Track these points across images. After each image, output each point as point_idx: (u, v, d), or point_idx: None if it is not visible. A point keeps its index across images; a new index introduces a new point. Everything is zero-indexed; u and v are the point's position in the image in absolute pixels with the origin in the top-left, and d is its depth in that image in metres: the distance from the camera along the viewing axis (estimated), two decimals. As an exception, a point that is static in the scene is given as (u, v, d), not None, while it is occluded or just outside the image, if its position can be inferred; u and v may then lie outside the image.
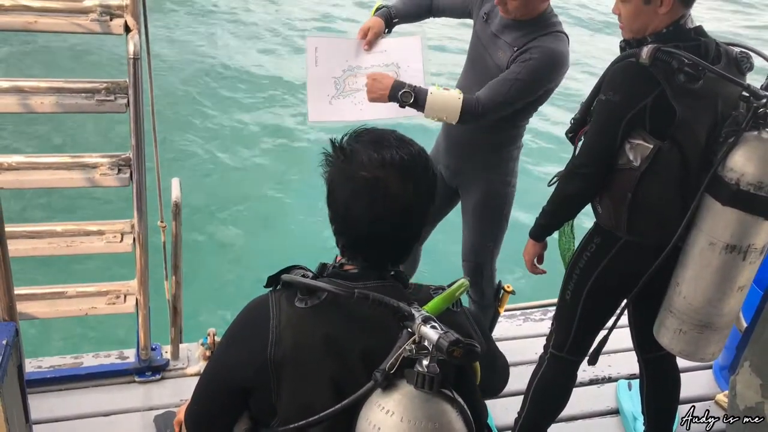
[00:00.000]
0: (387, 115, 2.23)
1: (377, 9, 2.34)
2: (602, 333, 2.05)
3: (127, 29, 2.04)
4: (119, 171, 2.13)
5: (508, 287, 2.70)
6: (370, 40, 2.27)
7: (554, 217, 2.00)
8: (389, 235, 1.18)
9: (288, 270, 1.21)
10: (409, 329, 1.03)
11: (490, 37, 2.29)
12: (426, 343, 1.00)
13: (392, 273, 1.22)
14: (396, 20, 2.35)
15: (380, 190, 1.14)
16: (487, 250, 2.60)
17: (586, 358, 2.09)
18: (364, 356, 1.11)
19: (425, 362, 1.00)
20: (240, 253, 4.84)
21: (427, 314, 1.04)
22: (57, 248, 2.17)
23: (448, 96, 2.15)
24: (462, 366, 1.15)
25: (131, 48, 2.00)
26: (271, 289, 1.21)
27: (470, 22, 2.45)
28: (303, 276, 1.17)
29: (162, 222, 2.35)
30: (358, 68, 2.28)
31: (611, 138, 1.79)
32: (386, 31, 2.35)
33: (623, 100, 1.75)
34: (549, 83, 2.24)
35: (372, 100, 2.18)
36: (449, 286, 1.21)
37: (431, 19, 2.53)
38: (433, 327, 1.00)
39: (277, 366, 1.11)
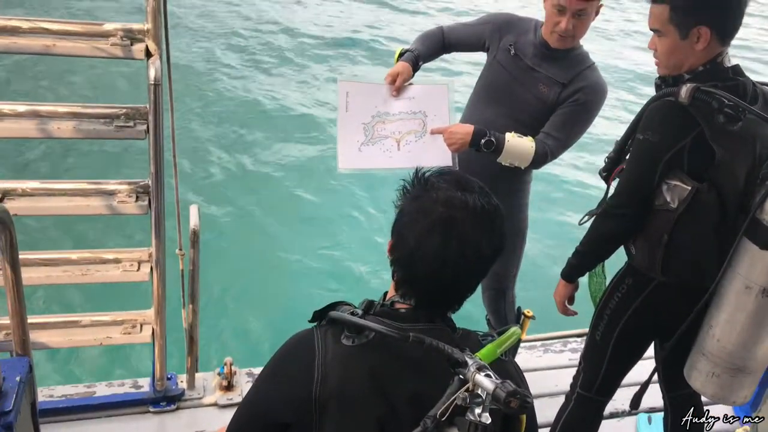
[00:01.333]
0: (417, 163, 2.22)
1: (401, 54, 2.34)
2: (636, 374, 2.01)
3: (149, 54, 2.00)
4: (138, 198, 2.08)
5: (528, 312, 2.68)
6: (398, 86, 2.26)
7: (588, 257, 1.95)
8: (452, 279, 1.14)
9: (334, 306, 1.18)
10: (461, 376, 1.00)
11: (524, 70, 2.29)
12: (479, 392, 0.98)
13: (441, 316, 1.19)
14: (421, 63, 2.36)
15: (456, 230, 1.11)
16: (510, 276, 2.61)
17: (614, 398, 2.05)
18: (413, 400, 1.08)
19: (477, 411, 0.97)
20: (256, 282, 4.78)
21: (482, 362, 1.02)
22: (72, 276, 2.12)
23: (522, 143, 2.25)
24: (509, 416, 1.13)
25: (152, 74, 1.96)
26: (315, 324, 1.18)
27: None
28: (352, 313, 1.15)
29: (180, 250, 2.30)
30: (386, 114, 2.28)
31: (649, 178, 1.75)
32: (413, 74, 2.36)
33: (662, 141, 1.72)
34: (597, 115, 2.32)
35: (454, 149, 2.25)
36: (499, 333, 1.19)
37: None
38: (487, 375, 0.98)
39: (321, 405, 1.08)
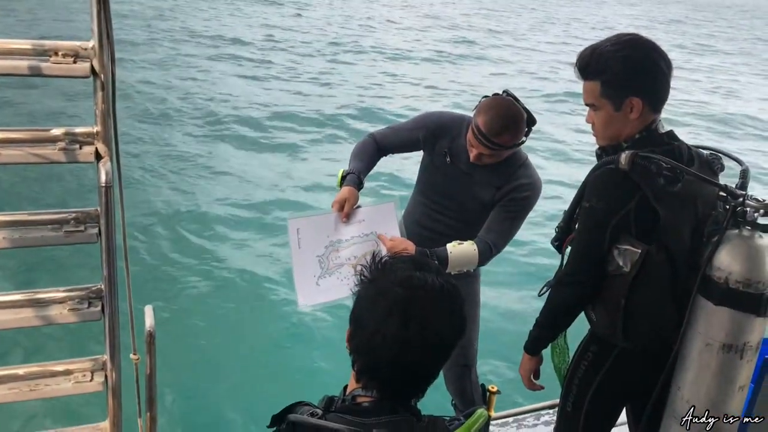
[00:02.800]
0: None
1: (343, 177, 2.36)
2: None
3: (98, 156, 1.98)
4: (90, 305, 2.00)
5: (493, 388, 2.66)
6: (347, 212, 2.26)
7: (549, 328, 1.97)
8: (414, 363, 1.12)
9: (293, 407, 1.14)
10: None
11: (461, 176, 2.38)
12: None
13: (405, 406, 1.15)
14: (363, 178, 2.40)
15: (416, 310, 1.09)
16: (474, 350, 2.61)
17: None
18: None
19: None
20: (213, 379, 4.62)
21: None
22: (20, 393, 1.97)
23: (464, 250, 2.28)
24: None
25: (103, 177, 1.92)
26: (274, 429, 1.13)
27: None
28: (311, 414, 1.10)
29: (135, 354, 2.21)
30: (338, 242, 2.27)
31: (599, 244, 1.80)
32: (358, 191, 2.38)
33: (607, 206, 1.78)
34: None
35: None
36: (466, 416, 1.15)
37: None
38: None
39: None
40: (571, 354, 2.01)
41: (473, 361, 2.61)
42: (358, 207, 2.31)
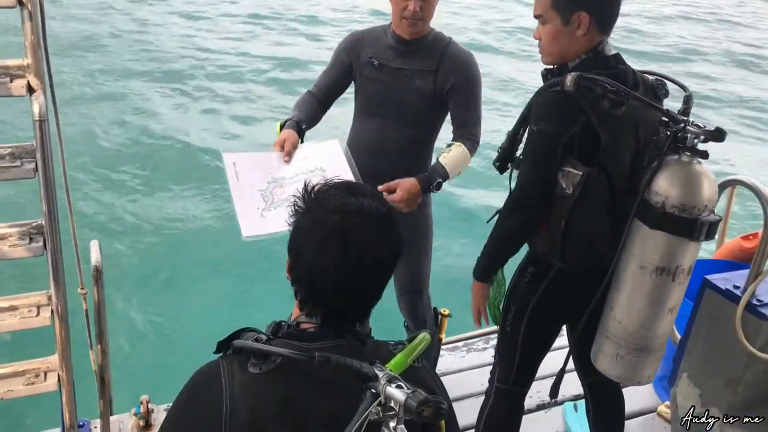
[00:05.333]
0: None
1: (282, 125, 2.33)
2: (557, 363, 2.04)
3: (31, 90, 1.92)
4: (31, 240, 1.98)
5: (445, 311, 2.71)
6: (288, 150, 2.23)
7: (499, 253, 1.97)
8: (355, 289, 1.13)
9: (238, 334, 1.13)
10: (373, 390, 0.98)
11: (393, 73, 2.37)
12: (392, 404, 0.96)
13: (349, 331, 1.17)
14: (304, 127, 2.36)
15: (354, 237, 1.09)
16: (425, 276, 2.65)
17: (530, 388, 2.09)
18: (327, 422, 1.05)
19: (392, 424, 0.96)
20: (164, 307, 4.66)
21: (392, 373, 1.00)
22: (-35, 330, 1.99)
23: (455, 154, 2.33)
24: (428, 424, 1.11)
25: (36, 109, 1.88)
26: (221, 354, 1.14)
27: None
28: (256, 339, 1.10)
29: (82, 288, 2.21)
30: (282, 179, 2.21)
31: (550, 167, 1.80)
32: (300, 141, 2.34)
33: (556, 129, 1.78)
34: None
35: (412, 209, 2.26)
36: (409, 341, 1.17)
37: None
38: (398, 387, 0.96)
39: None
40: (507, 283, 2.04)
41: (424, 286, 2.64)
42: (301, 144, 2.28)
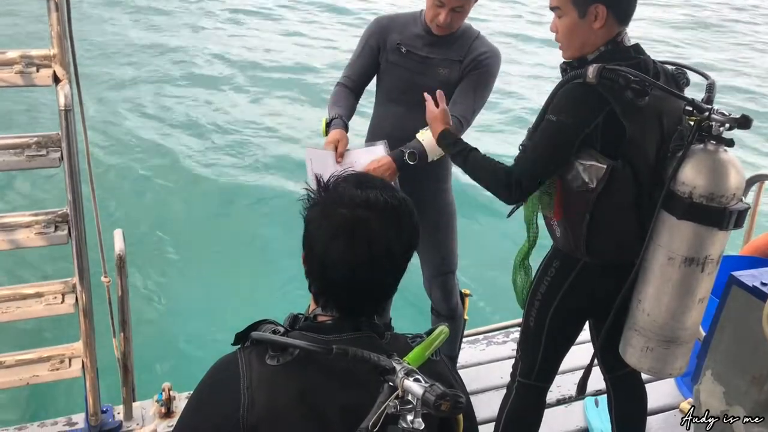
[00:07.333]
0: None
1: (327, 124, 2.37)
2: (580, 358, 2.02)
3: (57, 80, 1.93)
4: (56, 228, 2.00)
5: (466, 291, 2.73)
6: (341, 152, 2.28)
7: (463, 167, 1.95)
8: (368, 282, 1.11)
9: (256, 325, 1.13)
10: (390, 383, 0.97)
11: (420, 62, 2.37)
12: (410, 398, 0.95)
13: (367, 323, 1.16)
14: (348, 123, 2.40)
15: (361, 231, 1.08)
16: (455, 258, 2.65)
17: (560, 384, 2.06)
18: (344, 414, 1.04)
19: (410, 417, 0.94)
20: (188, 296, 4.69)
21: (410, 367, 0.99)
22: (-8, 315, 2.01)
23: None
24: (445, 418, 1.09)
25: (62, 99, 1.90)
26: (239, 347, 1.13)
27: None
28: (274, 332, 1.10)
29: (106, 277, 2.23)
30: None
31: (562, 160, 1.78)
32: None
33: (575, 123, 1.74)
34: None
35: (390, 179, 2.24)
36: (427, 334, 1.16)
37: None
38: (416, 380, 0.95)
39: (251, 431, 1.03)
40: (534, 274, 2.02)
41: (455, 267, 2.65)
42: (349, 150, 2.32)
